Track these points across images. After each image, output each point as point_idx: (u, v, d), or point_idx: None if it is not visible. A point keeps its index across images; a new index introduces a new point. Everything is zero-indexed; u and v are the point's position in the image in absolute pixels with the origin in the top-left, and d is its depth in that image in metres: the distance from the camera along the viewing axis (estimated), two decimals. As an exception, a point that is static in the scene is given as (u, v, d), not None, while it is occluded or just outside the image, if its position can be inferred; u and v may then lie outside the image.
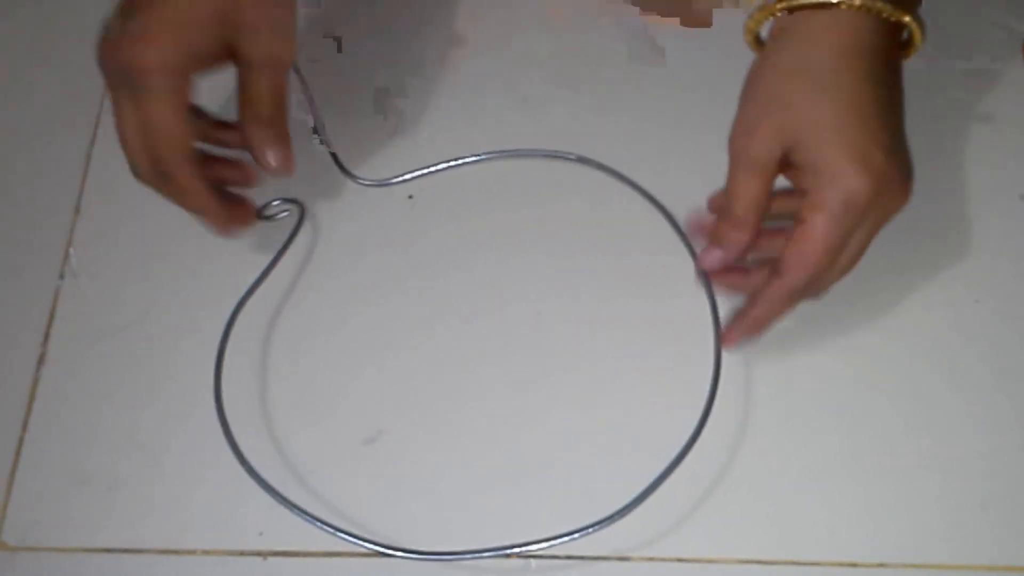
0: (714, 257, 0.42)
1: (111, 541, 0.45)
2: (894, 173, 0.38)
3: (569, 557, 0.43)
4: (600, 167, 0.50)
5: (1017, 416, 0.44)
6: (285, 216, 0.49)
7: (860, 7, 0.38)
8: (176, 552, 0.45)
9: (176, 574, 0.44)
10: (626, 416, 0.45)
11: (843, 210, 0.38)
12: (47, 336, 0.50)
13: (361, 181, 0.51)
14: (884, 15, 0.38)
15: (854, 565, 0.42)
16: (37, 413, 0.48)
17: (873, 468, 0.44)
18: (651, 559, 0.43)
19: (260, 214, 0.48)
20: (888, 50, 0.40)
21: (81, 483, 0.46)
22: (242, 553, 0.44)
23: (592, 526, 0.41)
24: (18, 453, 0.47)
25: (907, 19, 0.39)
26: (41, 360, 0.49)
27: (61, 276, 0.51)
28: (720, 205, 0.42)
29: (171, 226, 0.52)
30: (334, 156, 0.51)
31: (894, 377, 0.45)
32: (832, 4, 0.38)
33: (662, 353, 0.46)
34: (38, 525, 0.46)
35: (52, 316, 0.50)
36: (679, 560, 0.43)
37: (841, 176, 0.37)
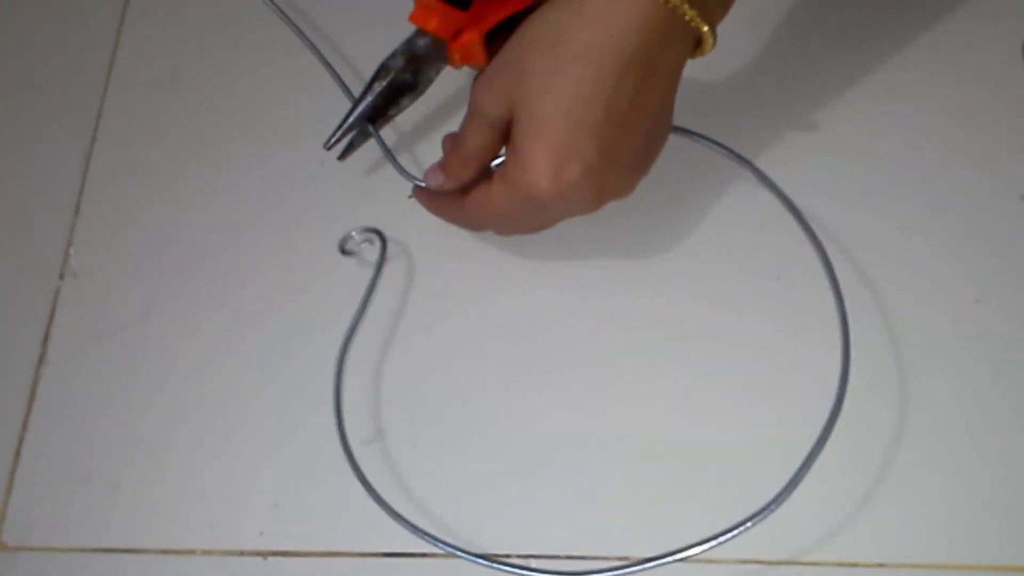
0: (436, 180, 0.43)
1: (111, 541, 0.45)
2: (585, 190, 0.38)
3: (569, 557, 0.43)
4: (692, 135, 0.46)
5: (1017, 416, 0.44)
6: (365, 246, 0.48)
7: (666, 3, 0.36)
8: (176, 552, 0.45)
9: (176, 574, 0.44)
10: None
11: (523, 198, 0.39)
12: (47, 336, 0.50)
13: (418, 181, 0.46)
14: (687, 19, 0.37)
15: (854, 565, 0.42)
16: (37, 413, 0.48)
17: (873, 468, 0.44)
18: (651, 559, 0.43)
19: (342, 248, 0.48)
20: (669, 50, 0.38)
21: (81, 483, 0.46)
22: (242, 553, 0.44)
23: (739, 526, 0.40)
24: (18, 453, 0.47)
25: (705, 29, 0.38)
26: (41, 360, 0.49)
27: (61, 276, 0.51)
28: (453, 140, 0.43)
29: (171, 226, 0.52)
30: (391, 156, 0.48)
31: (894, 377, 0.45)
32: None
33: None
34: (38, 525, 0.46)
35: (52, 316, 0.50)
36: (679, 560, 0.43)
37: (531, 172, 0.38)
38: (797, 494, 0.43)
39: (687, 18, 0.37)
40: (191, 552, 0.45)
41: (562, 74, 0.37)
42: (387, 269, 0.48)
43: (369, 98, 0.46)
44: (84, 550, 0.45)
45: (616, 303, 0.48)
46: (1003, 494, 0.43)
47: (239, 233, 0.51)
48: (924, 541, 0.42)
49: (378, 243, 0.48)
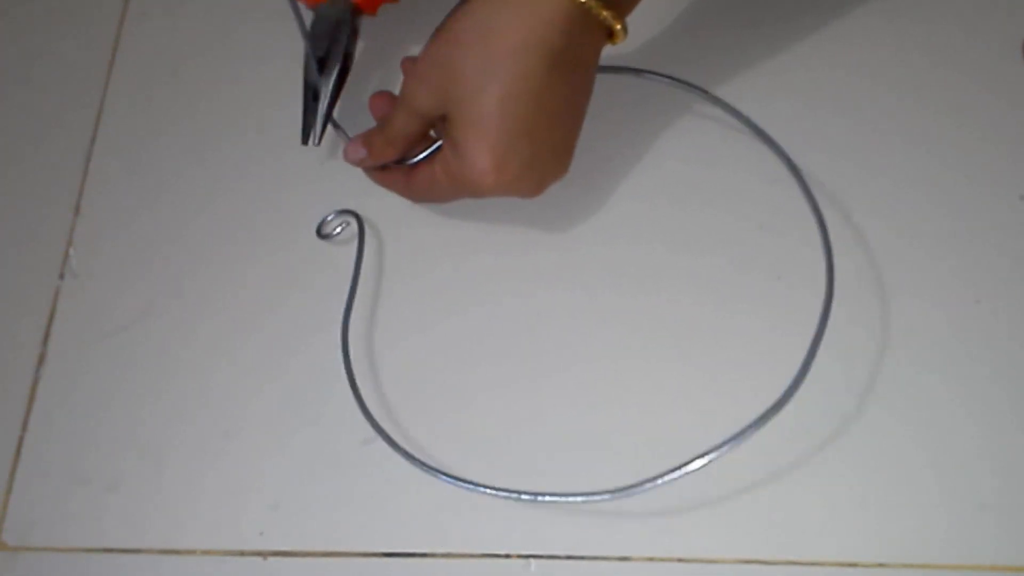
0: (358, 155, 0.45)
1: (111, 541, 0.45)
2: (525, 180, 0.42)
3: (569, 557, 0.43)
4: (672, 81, 0.49)
5: (1017, 416, 0.44)
6: (343, 229, 0.49)
7: (582, 3, 0.39)
8: (176, 552, 0.45)
9: (176, 574, 0.44)
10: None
11: (466, 188, 0.42)
12: (47, 336, 0.50)
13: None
14: (600, 17, 0.40)
15: (854, 565, 0.42)
16: (37, 413, 0.48)
17: (873, 468, 0.44)
18: (651, 559, 0.43)
19: (320, 233, 0.48)
20: (587, 44, 0.41)
21: (81, 483, 0.46)
22: (242, 553, 0.44)
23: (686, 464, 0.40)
24: (18, 453, 0.47)
25: (618, 27, 0.40)
26: (41, 360, 0.49)
27: (61, 276, 0.51)
28: (380, 116, 0.45)
29: (171, 226, 0.52)
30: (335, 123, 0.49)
31: (893, 377, 0.45)
32: None
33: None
34: (38, 525, 0.46)
35: (52, 316, 0.50)
36: (679, 560, 0.43)
37: (472, 169, 0.41)
38: (797, 494, 0.43)
39: (601, 17, 0.40)
40: (191, 552, 0.45)
41: (493, 74, 0.39)
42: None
43: (331, 86, 0.48)
44: (84, 550, 0.45)
45: (599, 255, 0.48)
46: (1002, 494, 0.43)
47: (239, 232, 0.51)
48: (924, 541, 0.42)
49: (354, 225, 0.48)
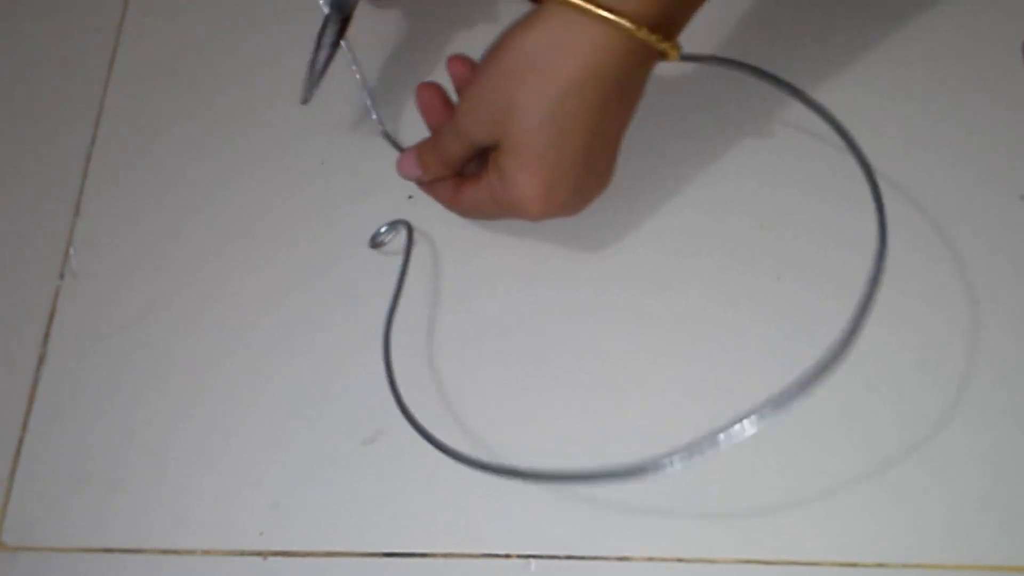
0: (413, 172, 0.46)
1: (111, 541, 0.45)
2: (571, 207, 0.42)
3: (569, 557, 0.43)
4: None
5: (1017, 416, 0.44)
6: (393, 237, 0.49)
7: (629, 31, 0.38)
8: (176, 552, 0.45)
9: (176, 574, 0.44)
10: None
11: (511, 213, 0.43)
12: (47, 336, 0.50)
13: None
14: (659, 49, 0.39)
15: (854, 565, 0.42)
16: (37, 413, 0.48)
17: (873, 468, 0.44)
18: (651, 559, 0.43)
19: (374, 243, 0.48)
20: (640, 72, 0.41)
21: (81, 483, 0.46)
22: (242, 553, 0.44)
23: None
24: (18, 453, 0.47)
25: (672, 51, 0.40)
26: (41, 360, 0.49)
27: (61, 276, 0.51)
28: (433, 123, 0.46)
29: (171, 226, 0.52)
30: (387, 135, 0.50)
31: (893, 377, 0.45)
32: (606, 19, 0.38)
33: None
34: (38, 525, 0.46)
35: (52, 316, 0.50)
36: (679, 560, 0.43)
37: (521, 199, 0.41)
38: (797, 494, 0.43)
39: (659, 47, 0.39)
40: (191, 552, 0.45)
41: (549, 110, 0.39)
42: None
43: (330, 38, 0.47)
44: (84, 550, 0.45)
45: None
46: (1002, 494, 0.43)
47: (239, 232, 0.51)
48: (924, 541, 0.42)
49: (403, 234, 0.48)
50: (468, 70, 0.45)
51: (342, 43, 0.48)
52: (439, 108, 0.46)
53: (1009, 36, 0.51)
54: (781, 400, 0.36)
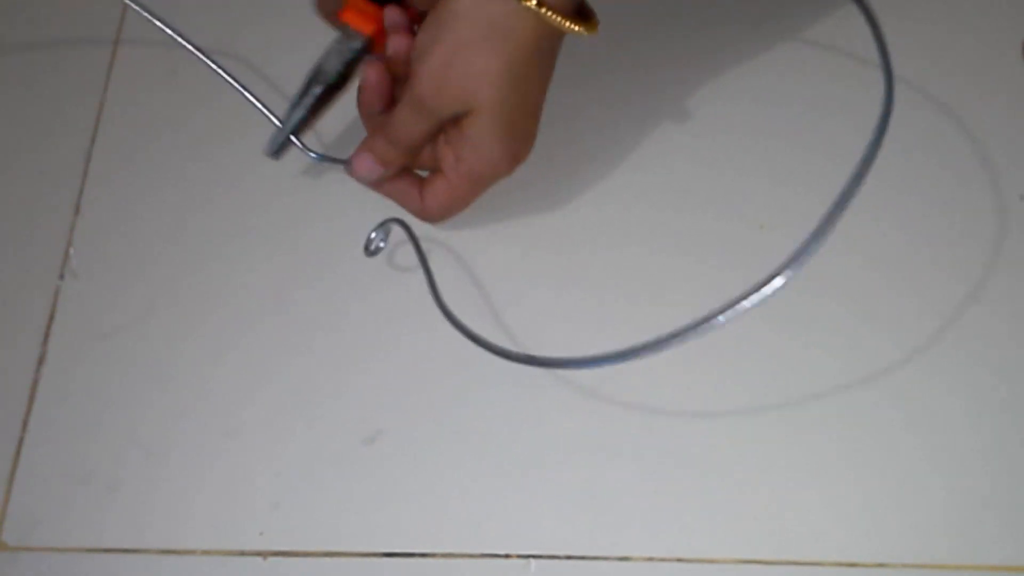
0: (373, 172, 0.45)
1: (111, 541, 0.45)
2: (526, 155, 0.44)
3: (569, 557, 0.43)
4: None
5: (1017, 416, 0.44)
6: (383, 242, 0.48)
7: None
8: (176, 552, 0.45)
9: (176, 574, 0.44)
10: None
11: (483, 181, 0.44)
12: (47, 336, 0.50)
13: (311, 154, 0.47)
14: (563, 27, 0.40)
15: (854, 565, 0.42)
16: (37, 413, 0.48)
17: (873, 467, 0.44)
18: (651, 559, 0.43)
19: (368, 250, 0.47)
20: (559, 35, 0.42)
21: (81, 483, 0.46)
22: (242, 553, 0.44)
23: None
24: (18, 453, 0.47)
25: (577, 29, 0.40)
26: (41, 360, 0.49)
27: (61, 276, 0.51)
28: (381, 122, 0.44)
29: (171, 226, 0.52)
30: (326, 156, 0.48)
31: (893, 377, 0.45)
32: None
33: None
34: (38, 525, 0.46)
35: (52, 316, 0.50)
36: (679, 560, 0.43)
37: (490, 160, 0.43)
38: (797, 494, 0.43)
39: (575, 30, 0.41)
40: (191, 552, 0.45)
41: (514, 74, 0.41)
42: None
43: (309, 102, 0.46)
44: (84, 550, 0.45)
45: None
46: (1003, 494, 0.43)
47: (239, 233, 0.51)
48: (924, 541, 0.42)
49: (405, 239, 0.47)
50: (410, 42, 0.44)
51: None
52: (388, 91, 0.44)
53: (1009, 36, 0.51)
54: (803, 251, 0.34)
